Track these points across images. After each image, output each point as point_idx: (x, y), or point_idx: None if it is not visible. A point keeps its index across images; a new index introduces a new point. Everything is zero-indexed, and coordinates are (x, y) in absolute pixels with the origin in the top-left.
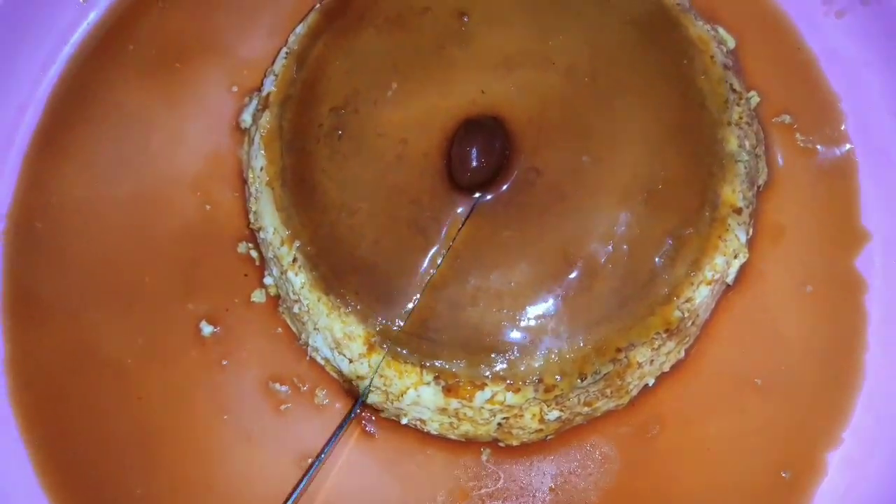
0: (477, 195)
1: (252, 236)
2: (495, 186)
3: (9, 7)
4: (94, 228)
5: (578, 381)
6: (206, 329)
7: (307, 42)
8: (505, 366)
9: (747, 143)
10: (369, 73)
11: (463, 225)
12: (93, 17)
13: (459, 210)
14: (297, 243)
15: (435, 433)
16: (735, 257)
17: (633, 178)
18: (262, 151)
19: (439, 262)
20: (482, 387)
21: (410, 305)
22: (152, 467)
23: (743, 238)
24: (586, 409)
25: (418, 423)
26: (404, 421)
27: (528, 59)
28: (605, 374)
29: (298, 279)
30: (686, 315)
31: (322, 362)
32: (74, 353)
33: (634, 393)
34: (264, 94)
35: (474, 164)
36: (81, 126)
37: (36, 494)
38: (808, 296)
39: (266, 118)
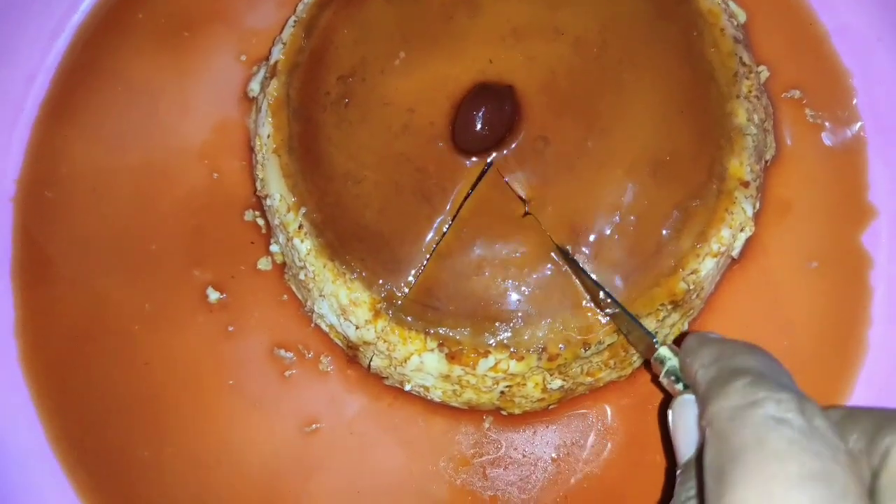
0: (488, 160)
1: (258, 204)
2: (497, 151)
3: None
4: (102, 196)
5: (582, 350)
6: (213, 296)
7: (315, 10)
8: (509, 334)
9: (756, 117)
10: (377, 41)
11: (470, 194)
12: None
13: (466, 179)
14: (303, 210)
15: (438, 400)
16: (741, 230)
17: (641, 150)
18: (270, 119)
19: (445, 230)
20: (486, 354)
21: (415, 273)
22: (159, 431)
23: (749, 211)
24: (589, 379)
25: (421, 390)
26: (408, 388)
27: (537, 30)
28: (608, 345)
29: (304, 246)
30: (691, 287)
31: (327, 329)
32: (83, 319)
33: (637, 364)
34: (272, 62)
35: (478, 126)
36: (90, 95)
37: (47, 456)
38: (813, 271)
39: (273, 86)
